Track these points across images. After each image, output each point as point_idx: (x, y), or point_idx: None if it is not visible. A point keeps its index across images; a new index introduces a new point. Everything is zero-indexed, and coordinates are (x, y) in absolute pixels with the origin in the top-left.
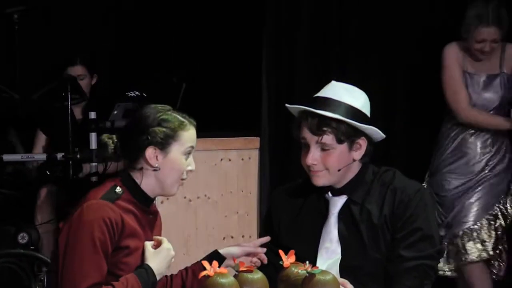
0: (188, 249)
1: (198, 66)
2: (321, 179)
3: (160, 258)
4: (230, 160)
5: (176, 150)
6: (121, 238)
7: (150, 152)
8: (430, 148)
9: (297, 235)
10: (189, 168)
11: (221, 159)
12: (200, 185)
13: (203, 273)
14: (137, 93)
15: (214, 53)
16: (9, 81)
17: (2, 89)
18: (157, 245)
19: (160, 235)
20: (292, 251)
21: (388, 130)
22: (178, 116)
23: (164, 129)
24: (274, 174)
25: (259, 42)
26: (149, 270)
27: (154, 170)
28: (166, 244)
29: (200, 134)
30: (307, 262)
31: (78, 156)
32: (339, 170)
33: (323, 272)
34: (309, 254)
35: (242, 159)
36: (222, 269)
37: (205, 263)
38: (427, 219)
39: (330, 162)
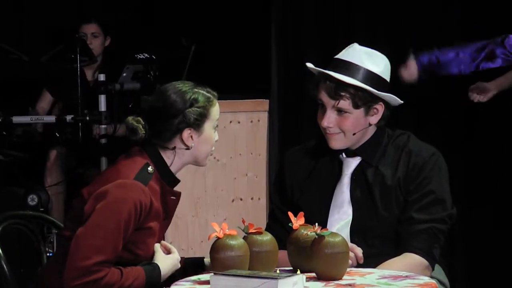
0: (197, 211)
1: (208, 27)
2: (337, 142)
3: (169, 263)
4: (239, 122)
5: (208, 127)
6: (146, 220)
7: (186, 133)
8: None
9: (309, 195)
10: (216, 139)
11: (230, 122)
12: None
13: (213, 235)
14: (146, 55)
15: (223, 14)
16: (18, 43)
17: (11, 51)
18: (164, 250)
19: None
20: (301, 213)
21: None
22: (205, 92)
23: (197, 109)
24: (283, 136)
25: (268, 3)
26: (156, 269)
27: (187, 149)
28: (176, 254)
29: None
30: (317, 224)
31: (88, 118)
32: (354, 134)
33: (332, 234)
34: (320, 214)
35: (251, 121)
36: (232, 231)
37: (215, 225)
38: (440, 183)
39: (346, 126)
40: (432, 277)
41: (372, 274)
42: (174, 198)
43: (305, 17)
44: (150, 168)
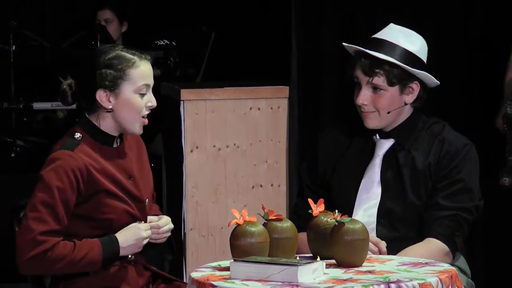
0: (217, 198)
1: (228, 15)
2: (372, 121)
3: (128, 233)
4: (259, 109)
5: (127, 90)
6: (92, 182)
7: (100, 95)
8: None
9: (340, 174)
10: (149, 104)
11: (250, 108)
12: (229, 134)
13: (233, 221)
14: (166, 41)
15: (244, 2)
16: (39, 29)
17: (32, 37)
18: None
19: (145, 153)
20: (321, 200)
21: None
22: (126, 54)
23: (111, 71)
24: (303, 123)
25: None
26: (113, 239)
27: (108, 112)
28: (139, 224)
29: (229, 83)
30: (336, 211)
31: None
32: (389, 113)
33: (352, 220)
34: (349, 193)
35: (271, 108)
36: (252, 218)
37: (235, 211)
38: (470, 173)
39: (380, 104)
40: (452, 264)
41: (392, 261)
42: (118, 153)
43: (326, 4)
44: (77, 135)
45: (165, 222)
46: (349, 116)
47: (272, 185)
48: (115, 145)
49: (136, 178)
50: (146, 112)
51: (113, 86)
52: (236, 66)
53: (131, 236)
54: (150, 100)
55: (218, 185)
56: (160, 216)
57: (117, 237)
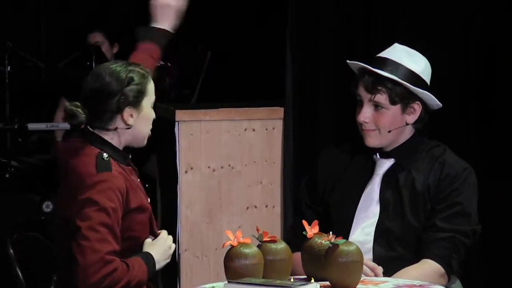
0: (211, 218)
1: (223, 35)
2: (372, 139)
3: (158, 247)
4: (254, 130)
5: (146, 104)
6: (129, 200)
7: (126, 112)
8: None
9: (339, 192)
10: (154, 117)
11: (245, 129)
12: (223, 155)
13: (227, 243)
14: (161, 62)
15: (238, 22)
16: (34, 50)
17: (27, 58)
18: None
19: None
20: (315, 222)
21: None
22: (139, 70)
23: (134, 87)
24: (298, 144)
25: (285, 11)
26: (149, 256)
27: (128, 128)
28: (164, 234)
29: (224, 104)
30: (331, 232)
31: None
32: (389, 132)
33: (347, 242)
34: (347, 212)
35: (266, 129)
36: (246, 239)
37: (229, 233)
38: (469, 197)
39: (381, 122)
40: (447, 287)
41: (386, 283)
42: (133, 175)
43: (320, 25)
44: (105, 155)
45: (170, 237)
46: (346, 136)
47: (266, 206)
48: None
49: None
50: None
51: (136, 102)
52: (231, 87)
53: (162, 252)
54: (154, 113)
55: (212, 206)
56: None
57: (152, 253)
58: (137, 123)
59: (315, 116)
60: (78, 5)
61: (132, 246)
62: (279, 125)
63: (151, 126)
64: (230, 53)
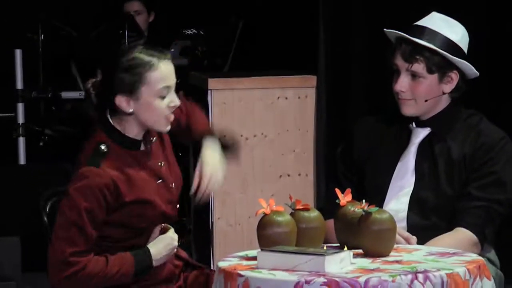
0: (245, 187)
1: (256, 4)
2: (408, 108)
3: (161, 245)
4: (286, 98)
5: (147, 94)
6: (121, 197)
7: (119, 99)
8: None
9: (375, 161)
10: (172, 104)
11: (278, 97)
12: (256, 123)
13: (260, 211)
14: (194, 30)
15: None
16: (67, 19)
17: (61, 27)
18: (164, 230)
19: (167, 149)
20: (348, 190)
21: None
22: (145, 56)
23: (128, 75)
24: (331, 113)
25: None
26: (147, 252)
27: (130, 115)
28: (170, 233)
29: (257, 72)
30: (364, 200)
31: None
32: (426, 101)
33: (380, 210)
34: (383, 181)
35: (299, 97)
36: (279, 207)
37: (262, 201)
38: (505, 166)
39: (418, 91)
40: (481, 255)
41: (419, 251)
42: (146, 155)
43: None
44: (102, 146)
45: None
46: (379, 104)
47: (299, 174)
48: (142, 148)
49: (164, 178)
50: (169, 111)
51: (132, 91)
52: (264, 55)
53: (164, 247)
54: (173, 100)
55: (245, 174)
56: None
57: (150, 249)
58: (138, 111)
59: (348, 84)
60: None
61: (137, 233)
62: (311, 93)
63: (163, 114)
64: (263, 23)
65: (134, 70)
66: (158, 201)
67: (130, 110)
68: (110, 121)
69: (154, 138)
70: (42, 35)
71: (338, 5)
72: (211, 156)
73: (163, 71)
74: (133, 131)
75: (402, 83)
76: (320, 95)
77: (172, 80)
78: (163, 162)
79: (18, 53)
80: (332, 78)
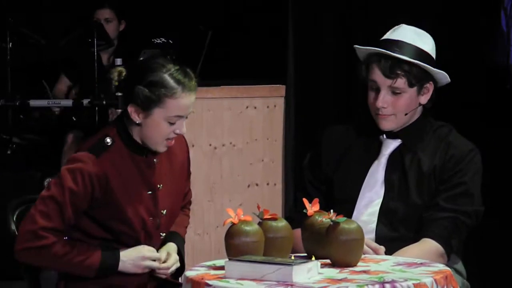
0: (213, 196)
1: (225, 13)
2: (388, 123)
3: (133, 252)
4: (255, 107)
5: (158, 115)
6: (108, 192)
7: (131, 108)
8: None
9: (344, 171)
10: (177, 132)
11: (247, 107)
12: (225, 132)
13: (228, 220)
14: (163, 40)
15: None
16: (35, 26)
17: (29, 35)
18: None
19: (182, 160)
20: (316, 200)
21: None
22: (171, 82)
23: (148, 93)
24: (299, 122)
25: None
26: (116, 253)
27: (137, 125)
28: (146, 251)
29: (226, 81)
30: (331, 210)
31: (104, 102)
32: (406, 114)
33: (347, 220)
34: (352, 191)
35: (268, 107)
36: (247, 217)
37: (230, 210)
38: (473, 178)
39: (399, 106)
40: (448, 266)
41: (386, 261)
42: (148, 164)
43: (321, 3)
44: (107, 140)
45: (173, 262)
46: (346, 114)
47: (268, 184)
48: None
49: (156, 192)
50: (172, 136)
51: (145, 107)
52: (233, 64)
53: (134, 253)
54: (180, 129)
55: (213, 183)
56: (170, 253)
57: (120, 254)
58: (145, 125)
59: (316, 94)
60: None
61: (114, 236)
62: (280, 102)
63: (165, 137)
64: (231, 32)
65: (155, 90)
66: (141, 211)
67: (138, 122)
68: (125, 120)
69: (156, 160)
70: (10, 43)
71: (307, 15)
72: (175, 250)
73: (182, 103)
74: (138, 138)
75: (385, 99)
76: (288, 104)
77: (187, 111)
78: (162, 185)
79: None
80: (300, 87)
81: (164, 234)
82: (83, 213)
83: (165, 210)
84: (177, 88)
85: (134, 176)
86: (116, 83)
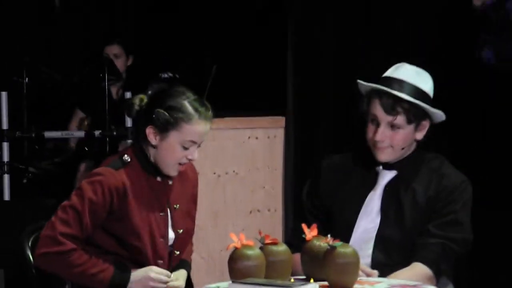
0: (217, 222)
1: (227, 47)
2: (385, 156)
3: (140, 270)
4: (257, 138)
5: (174, 138)
6: (125, 205)
7: (149, 130)
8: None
9: (341, 200)
10: (189, 157)
11: (249, 137)
12: (228, 161)
13: (231, 245)
14: (170, 74)
15: (241, 33)
16: (51, 62)
17: (44, 71)
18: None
19: (194, 184)
20: (314, 225)
21: None
22: (190, 108)
23: (167, 116)
24: (298, 152)
25: (285, 22)
26: (127, 273)
27: (153, 148)
28: (153, 273)
29: (229, 113)
30: (329, 235)
31: (114, 133)
32: (402, 149)
33: (344, 245)
34: (349, 219)
35: (268, 137)
36: (249, 241)
37: (233, 235)
38: (463, 208)
39: (397, 140)
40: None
41: (381, 283)
42: (162, 186)
43: (322, 35)
44: (125, 157)
45: (181, 284)
46: (344, 145)
47: (269, 210)
48: (159, 179)
49: (166, 215)
50: (184, 161)
51: (163, 129)
52: (235, 97)
53: (141, 273)
54: (192, 154)
55: (217, 210)
56: (178, 274)
57: (131, 274)
58: (160, 147)
59: (315, 125)
60: (90, 18)
61: (128, 252)
62: (280, 133)
63: (178, 161)
64: (234, 65)
65: (174, 114)
66: (153, 230)
67: (154, 143)
68: (142, 142)
69: (170, 182)
70: (27, 78)
71: (307, 49)
72: (184, 277)
73: (197, 129)
74: (154, 160)
75: (383, 134)
76: (288, 135)
77: (201, 139)
78: (178, 206)
79: (3, 95)
80: (300, 119)
81: (178, 252)
82: (101, 228)
83: (181, 230)
84: (194, 115)
85: (148, 195)
86: (138, 108)
